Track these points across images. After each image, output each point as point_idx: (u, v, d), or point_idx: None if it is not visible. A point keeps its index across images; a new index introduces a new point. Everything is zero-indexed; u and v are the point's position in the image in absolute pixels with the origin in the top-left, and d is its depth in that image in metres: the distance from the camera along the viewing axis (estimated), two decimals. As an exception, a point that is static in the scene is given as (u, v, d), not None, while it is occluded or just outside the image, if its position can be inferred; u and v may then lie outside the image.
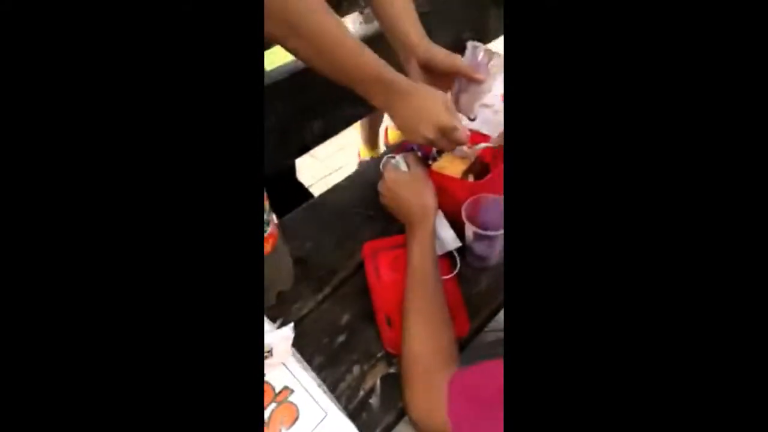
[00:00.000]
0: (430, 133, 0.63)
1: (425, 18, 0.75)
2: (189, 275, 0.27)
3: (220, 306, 0.27)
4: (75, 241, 0.25)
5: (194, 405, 0.26)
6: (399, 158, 0.72)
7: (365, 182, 0.89)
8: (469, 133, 0.67)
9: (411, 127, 0.64)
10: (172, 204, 0.27)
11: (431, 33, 0.74)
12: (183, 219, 0.27)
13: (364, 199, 0.85)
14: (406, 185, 0.68)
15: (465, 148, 0.73)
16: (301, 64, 0.78)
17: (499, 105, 1.01)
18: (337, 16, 0.61)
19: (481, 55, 0.73)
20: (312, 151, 1.04)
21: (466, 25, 1.12)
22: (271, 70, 0.84)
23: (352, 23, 1.17)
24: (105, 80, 0.26)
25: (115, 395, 0.25)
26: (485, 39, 1.18)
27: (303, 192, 1.12)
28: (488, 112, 0.96)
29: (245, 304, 0.28)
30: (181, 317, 0.27)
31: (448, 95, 0.79)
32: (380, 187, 0.71)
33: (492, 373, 0.46)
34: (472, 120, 0.82)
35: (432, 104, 0.63)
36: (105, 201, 0.26)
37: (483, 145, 0.72)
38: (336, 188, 0.90)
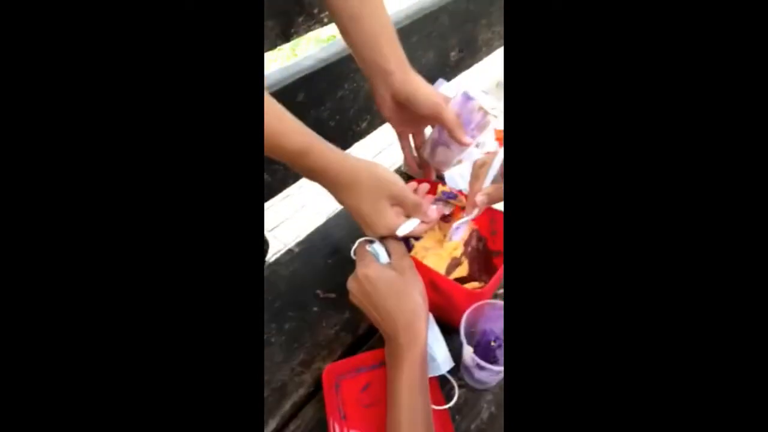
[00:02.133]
0: (386, 232, 0.51)
1: (404, 34, 0.55)
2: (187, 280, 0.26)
3: (220, 313, 0.27)
4: (77, 241, 0.25)
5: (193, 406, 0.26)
6: (378, 244, 0.53)
7: (324, 248, 0.69)
8: (438, 208, 0.54)
9: (364, 224, 0.52)
10: (172, 205, 0.26)
11: (412, 50, 0.54)
12: (183, 221, 0.26)
13: (324, 275, 0.65)
14: (388, 287, 0.49)
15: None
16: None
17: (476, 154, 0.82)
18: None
19: (474, 109, 0.54)
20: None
21: (454, 40, 0.92)
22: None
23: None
24: (102, 79, 0.25)
25: (113, 395, 0.25)
26: (475, 56, 0.98)
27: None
28: (463, 166, 0.76)
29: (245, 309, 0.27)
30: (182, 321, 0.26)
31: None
32: (350, 284, 0.52)
33: None
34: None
35: (379, 197, 0.50)
36: (96, 203, 0.25)
37: (462, 222, 0.54)
38: (286, 258, 0.69)
